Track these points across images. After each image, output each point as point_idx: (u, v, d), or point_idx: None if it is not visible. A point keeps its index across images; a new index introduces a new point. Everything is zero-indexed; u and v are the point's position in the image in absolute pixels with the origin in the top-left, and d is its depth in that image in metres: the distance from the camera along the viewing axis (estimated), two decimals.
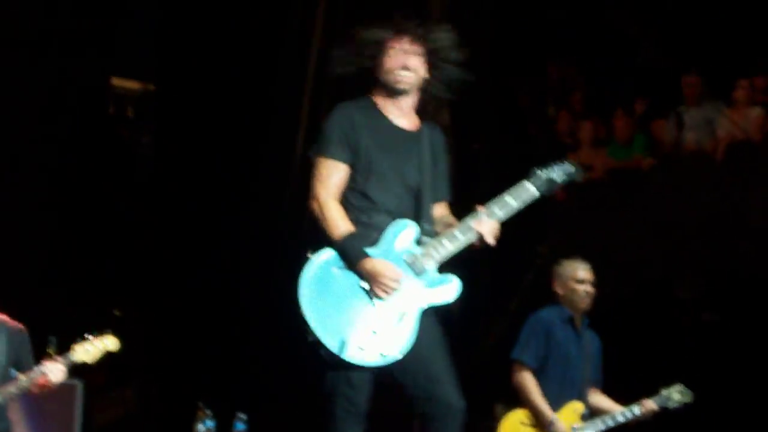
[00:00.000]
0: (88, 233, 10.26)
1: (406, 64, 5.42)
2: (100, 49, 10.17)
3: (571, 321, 7.30)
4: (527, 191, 5.42)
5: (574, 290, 7.29)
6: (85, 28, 9.95)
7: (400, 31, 5.46)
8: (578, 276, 7.31)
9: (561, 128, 11.35)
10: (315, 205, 5.37)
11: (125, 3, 10.44)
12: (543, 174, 5.49)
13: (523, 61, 11.26)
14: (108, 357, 6.94)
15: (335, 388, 5.24)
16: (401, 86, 5.44)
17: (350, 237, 5.29)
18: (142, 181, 10.84)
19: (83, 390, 8.27)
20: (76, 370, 6.73)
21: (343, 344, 5.17)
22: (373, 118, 5.47)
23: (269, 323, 8.25)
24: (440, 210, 5.56)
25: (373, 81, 5.50)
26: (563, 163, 5.58)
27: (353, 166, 5.39)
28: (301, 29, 9.34)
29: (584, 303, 7.30)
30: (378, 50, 5.46)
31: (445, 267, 5.39)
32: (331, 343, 5.17)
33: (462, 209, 5.48)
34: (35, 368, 6.57)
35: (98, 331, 6.73)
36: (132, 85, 11.33)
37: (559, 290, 7.35)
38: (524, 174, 5.47)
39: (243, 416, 7.74)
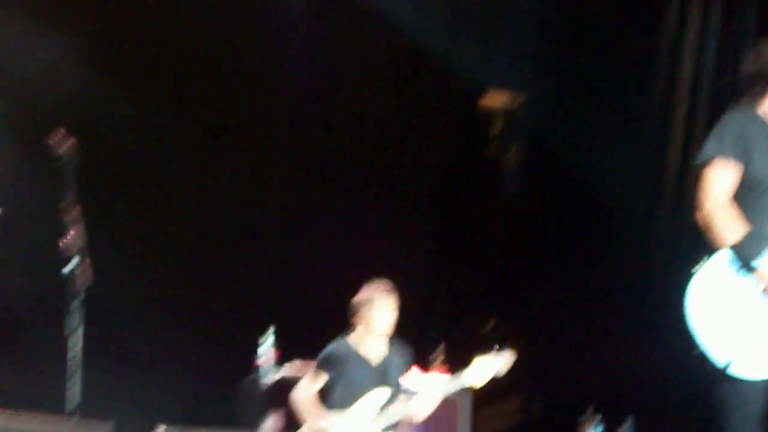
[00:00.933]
0: (460, 248, 11.03)
1: None
2: (474, 66, 10.77)
3: None
4: None
5: None
6: (460, 45, 10.61)
7: None
8: None
9: None
10: (706, 209, 5.47)
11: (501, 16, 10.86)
12: None
13: None
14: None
15: (725, 400, 5.41)
16: None
17: (745, 241, 5.41)
18: (508, 198, 11.41)
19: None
20: None
21: (730, 358, 5.31)
22: (763, 128, 5.61)
23: (653, 326, 8.47)
24: None
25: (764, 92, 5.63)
26: None
27: (744, 173, 5.51)
28: (674, 38, 9.50)
29: None
30: None
31: None
32: (718, 356, 5.34)
33: None
34: (422, 382, 7.30)
35: (484, 344, 7.31)
36: (499, 100, 11.88)
37: None
38: None
39: (631, 420, 8.17)
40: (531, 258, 10.89)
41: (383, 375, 7.61)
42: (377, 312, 7.63)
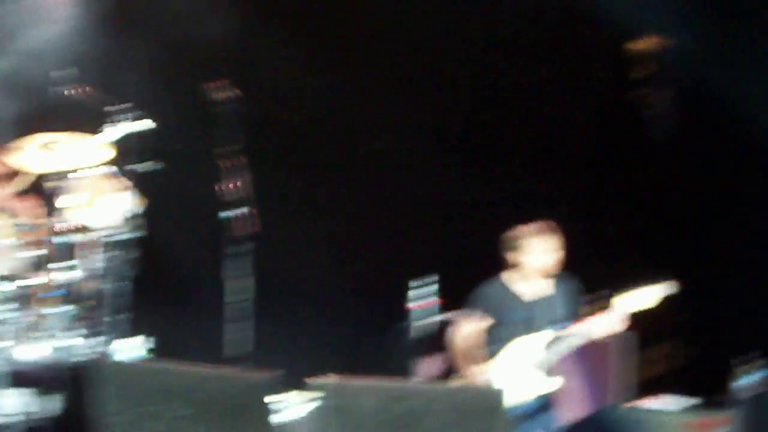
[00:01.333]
0: (612, 191, 11.02)
1: None
2: (624, 9, 10.68)
3: None
4: None
5: None
6: None
7: None
8: None
9: None
10: None
11: None
12: None
13: None
14: (649, 313, 7.55)
15: None
16: None
17: None
18: (660, 140, 11.35)
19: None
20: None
21: None
22: None
23: None
24: None
25: None
26: None
27: None
28: None
29: None
30: None
31: None
32: None
33: None
34: (590, 319, 7.34)
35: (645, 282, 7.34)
36: (649, 43, 11.80)
37: None
38: None
39: None
40: (685, 202, 10.82)
41: (542, 313, 7.62)
42: (532, 250, 7.67)
